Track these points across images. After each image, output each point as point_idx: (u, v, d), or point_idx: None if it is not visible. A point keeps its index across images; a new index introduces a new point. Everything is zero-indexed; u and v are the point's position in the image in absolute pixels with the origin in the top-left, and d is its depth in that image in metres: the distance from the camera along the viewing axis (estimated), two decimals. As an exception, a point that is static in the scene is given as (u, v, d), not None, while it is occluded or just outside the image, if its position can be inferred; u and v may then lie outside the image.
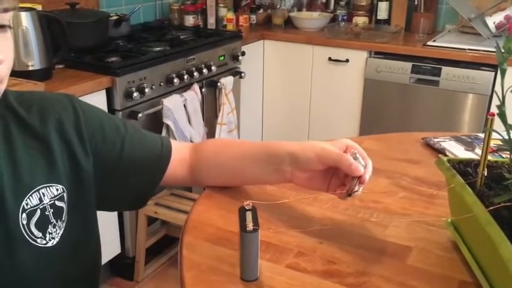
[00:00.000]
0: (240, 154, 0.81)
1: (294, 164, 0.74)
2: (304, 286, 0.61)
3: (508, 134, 0.51)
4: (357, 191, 0.69)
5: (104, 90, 1.88)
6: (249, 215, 0.62)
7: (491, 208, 0.54)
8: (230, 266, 0.64)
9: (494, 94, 2.34)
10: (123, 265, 2.16)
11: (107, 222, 2.02)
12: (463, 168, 0.66)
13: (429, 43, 2.52)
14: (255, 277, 0.62)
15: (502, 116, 0.51)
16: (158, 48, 2.20)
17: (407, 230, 0.74)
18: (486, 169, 0.62)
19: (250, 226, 0.59)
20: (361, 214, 0.78)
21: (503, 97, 0.52)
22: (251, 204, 0.63)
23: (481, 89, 2.40)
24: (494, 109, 2.05)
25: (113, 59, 2.03)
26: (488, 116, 0.58)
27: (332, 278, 0.63)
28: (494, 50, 2.19)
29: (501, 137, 1.06)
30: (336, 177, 0.72)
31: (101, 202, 0.78)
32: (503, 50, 0.50)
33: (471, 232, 0.64)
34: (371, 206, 0.80)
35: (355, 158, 0.70)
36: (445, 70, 2.45)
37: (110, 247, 2.08)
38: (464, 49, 2.43)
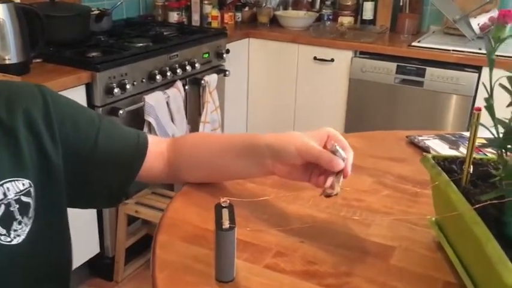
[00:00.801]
0: (219, 148, 0.78)
1: (275, 157, 0.72)
2: (282, 287, 0.59)
3: (496, 128, 0.49)
4: (333, 193, 0.66)
5: (84, 86, 1.84)
6: (225, 212, 0.59)
7: (477, 206, 0.52)
8: (206, 265, 0.61)
9: (478, 95, 2.37)
10: (102, 265, 2.11)
11: (86, 221, 1.97)
12: (448, 165, 0.64)
13: (414, 44, 2.52)
14: (230, 278, 0.59)
15: (490, 109, 0.49)
16: (140, 44, 2.16)
17: (390, 229, 0.71)
18: (472, 166, 0.60)
19: (226, 224, 0.56)
20: (344, 212, 0.75)
21: (491, 89, 0.50)
22: (228, 201, 0.60)
23: (465, 90, 2.40)
24: (478, 110, 2.01)
25: (94, 53, 1.98)
26: (474, 111, 0.56)
27: (312, 279, 0.60)
28: (478, 51, 2.19)
29: (485, 136, 1.05)
30: (318, 169, 0.70)
31: (74, 198, 0.75)
32: (492, 40, 0.48)
33: (456, 231, 0.62)
34: (354, 205, 0.78)
35: (335, 151, 0.67)
36: (430, 71, 2.45)
37: (88, 247, 2.03)
38: (449, 50, 2.43)
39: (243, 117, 2.97)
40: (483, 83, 0.50)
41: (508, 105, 0.47)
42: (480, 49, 2.42)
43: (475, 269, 0.56)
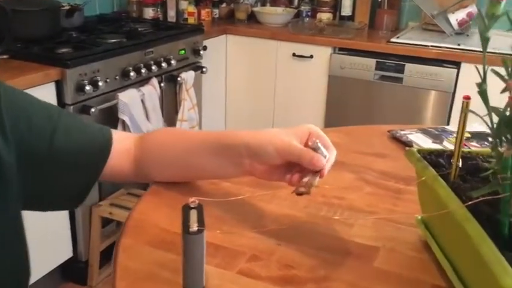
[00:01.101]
0: (192, 146, 0.73)
1: (252, 157, 0.67)
2: (258, 295, 0.53)
3: (490, 117, 0.45)
4: (305, 192, 0.61)
5: (53, 83, 1.77)
6: (193, 213, 0.53)
7: (470, 203, 0.47)
8: (173, 273, 0.55)
9: (457, 91, 2.36)
10: (75, 269, 2.03)
11: (57, 223, 1.90)
12: (435, 159, 0.59)
13: (393, 40, 2.50)
14: (200, 286, 0.53)
15: (483, 94, 0.45)
16: (113, 40, 2.08)
17: (373, 229, 0.67)
18: (460, 160, 0.56)
19: (194, 227, 0.51)
20: (324, 212, 0.71)
21: (485, 73, 0.46)
22: (197, 201, 0.55)
23: (444, 86, 2.39)
24: (457, 106, 2.03)
25: (64, 50, 1.90)
26: (463, 99, 0.52)
27: (289, 284, 0.55)
28: (457, 47, 2.17)
29: (469, 130, 1.01)
30: (298, 167, 0.64)
31: (30, 201, 0.68)
32: (485, 17, 0.43)
33: (445, 230, 0.57)
34: (334, 203, 0.73)
35: (317, 148, 0.62)
36: (409, 67, 2.44)
37: (60, 250, 1.96)
38: (428, 46, 2.42)
39: (221, 115, 2.92)
40: (476, 68, 0.45)
41: (502, 91, 0.42)
42: (459, 45, 2.41)
43: (467, 271, 0.52)
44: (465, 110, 0.51)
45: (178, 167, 0.74)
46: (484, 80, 0.44)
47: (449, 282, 0.56)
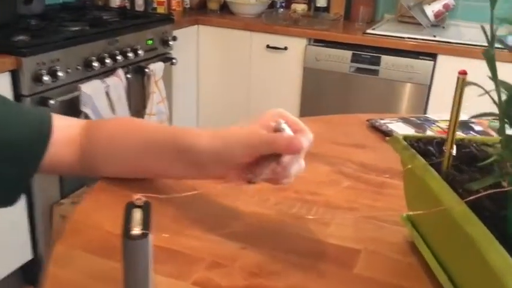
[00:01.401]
0: (147, 145, 0.62)
1: (217, 163, 0.56)
2: (217, 310, 0.44)
3: (498, 91, 0.36)
4: (256, 180, 0.52)
5: (9, 73, 1.64)
6: (137, 213, 0.44)
7: (470, 198, 0.39)
8: (112, 285, 0.45)
9: (434, 83, 2.31)
10: (36, 272, 1.91)
11: (15, 223, 1.77)
12: (423, 147, 0.51)
13: (369, 31, 2.45)
14: (145, 302, 0.44)
15: (491, 61, 0.36)
16: (75, 28, 1.96)
17: (353, 228, 0.58)
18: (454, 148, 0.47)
19: (136, 230, 0.41)
20: (296, 209, 0.62)
21: (493, 36, 0.37)
22: (143, 198, 0.45)
23: (420, 78, 2.35)
24: (434, 98, 1.96)
25: (20, 37, 1.77)
26: (458, 75, 0.43)
27: (255, 297, 0.46)
28: (433, 38, 2.13)
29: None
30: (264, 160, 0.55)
31: None
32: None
33: (437, 230, 0.49)
34: (308, 199, 0.64)
35: (281, 130, 0.53)
36: (385, 59, 2.38)
37: (20, 252, 1.83)
38: (404, 38, 2.37)
39: (193, 109, 2.81)
40: (482, 27, 0.37)
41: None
42: (435, 36, 2.36)
43: (464, 278, 0.44)
44: (461, 87, 0.43)
45: (129, 166, 0.64)
46: (491, 43, 0.36)
47: (441, 290, 0.48)
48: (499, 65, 0.37)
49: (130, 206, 0.45)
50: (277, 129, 0.53)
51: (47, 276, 0.47)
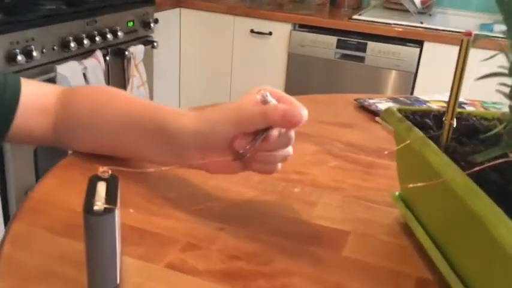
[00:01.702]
0: (126, 121, 0.56)
1: (202, 146, 0.50)
2: (192, 296, 0.40)
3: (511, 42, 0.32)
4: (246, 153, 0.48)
5: (-21, 51, 1.56)
6: (102, 187, 0.39)
7: (474, 169, 0.35)
8: (77, 268, 0.40)
9: (420, 71, 2.28)
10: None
11: (-14, 210, 1.70)
12: (420, 119, 0.47)
13: (355, 17, 2.41)
14: (110, 287, 0.39)
15: (502, 5, 0.32)
16: (51, 6, 1.87)
17: (341, 209, 0.54)
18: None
19: (99, 205, 0.36)
20: (281, 188, 0.57)
21: None
22: (109, 171, 0.40)
23: (406, 66, 2.32)
24: (419, 86, 1.93)
25: (-8, 14, 1.69)
26: (463, 37, 0.39)
27: (235, 280, 0.42)
28: (420, 25, 2.11)
29: (442, 99, 0.90)
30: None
31: None
32: None
33: (434, 208, 0.45)
34: (294, 178, 0.60)
35: (266, 102, 0.49)
36: (371, 45, 2.35)
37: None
38: (390, 24, 2.34)
39: (174, 93, 2.75)
40: None
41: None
42: (422, 23, 2.33)
43: (465, 258, 0.40)
44: (465, 49, 0.39)
45: (105, 142, 0.58)
46: None
47: (437, 274, 0.44)
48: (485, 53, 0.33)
49: (94, 179, 0.40)
50: (264, 102, 0.48)
51: (1, 258, 0.42)
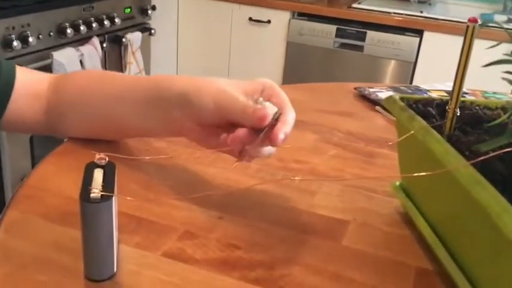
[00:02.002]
0: (116, 93, 0.56)
1: (185, 109, 0.50)
2: (187, 285, 0.39)
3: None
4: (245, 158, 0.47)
5: (-26, 37, 1.54)
6: (99, 174, 0.38)
7: (479, 159, 0.34)
8: (73, 256, 0.40)
9: (419, 61, 2.27)
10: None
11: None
12: (423, 108, 0.46)
13: (354, 5, 2.39)
14: (107, 274, 0.38)
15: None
16: (47, -8, 1.85)
17: (341, 198, 0.53)
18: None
19: (96, 192, 0.36)
20: (280, 177, 0.57)
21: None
22: (106, 158, 0.39)
23: (405, 55, 2.30)
24: (418, 76, 1.92)
25: (-13, -1, 1.67)
26: (468, 23, 0.38)
27: (232, 270, 0.41)
28: (420, 14, 2.10)
29: (443, 88, 0.90)
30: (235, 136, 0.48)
31: None
32: None
33: (435, 198, 0.44)
34: (293, 167, 0.59)
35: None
36: (370, 35, 2.33)
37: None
38: (390, 13, 2.32)
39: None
40: None
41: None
42: (422, 12, 2.32)
43: (466, 250, 0.39)
44: (471, 36, 0.38)
45: (97, 121, 0.58)
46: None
47: (438, 264, 0.43)
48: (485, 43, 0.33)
49: (91, 166, 0.39)
50: None
51: (-5, 245, 0.41)
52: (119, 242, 0.42)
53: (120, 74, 0.60)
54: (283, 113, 0.48)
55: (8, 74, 0.58)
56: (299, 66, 2.49)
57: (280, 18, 2.44)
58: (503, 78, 0.35)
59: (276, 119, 0.47)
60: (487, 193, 0.32)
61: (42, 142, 1.79)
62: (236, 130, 0.47)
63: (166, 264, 0.41)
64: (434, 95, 0.83)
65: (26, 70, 0.61)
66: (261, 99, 0.48)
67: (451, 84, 0.42)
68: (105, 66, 2.02)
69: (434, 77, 2.31)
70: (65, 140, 0.61)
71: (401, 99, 0.48)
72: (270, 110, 0.47)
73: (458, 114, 0.42)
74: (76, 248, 0.39)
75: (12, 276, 0.38)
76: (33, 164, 1.81)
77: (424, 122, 0.42)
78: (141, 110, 0.54)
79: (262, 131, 0.46)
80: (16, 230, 0.43)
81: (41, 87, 0.60)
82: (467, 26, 0.38)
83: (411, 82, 2.34)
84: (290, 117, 0.48)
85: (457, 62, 0.40)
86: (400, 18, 2.28)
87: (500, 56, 0.37)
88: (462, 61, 0.39)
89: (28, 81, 0.59)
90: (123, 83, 0.57)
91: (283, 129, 0.45)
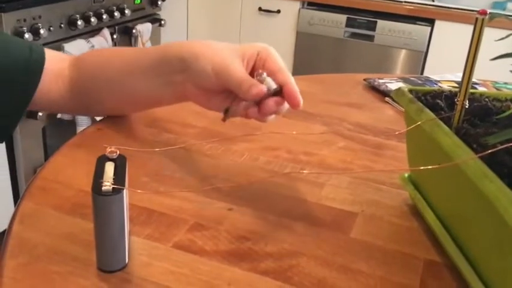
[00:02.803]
0: (125, 65, 0.59)
1: (185, 73, 0.54)
2: (197, 276, 0.40)
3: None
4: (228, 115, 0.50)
5: (-14, 30, 1.56)
6: (110, 167, 0.39)
7: (486, 152, 0.34)
8: (86, 248, 0.41)
9: (430, 50, 2.25)
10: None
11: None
12: (431, 100, 0.46)
13: (365, -6, 2.37)
14: (118, 266, 0.39)
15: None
16: (58, -16, 1.86)
17: (349, 190, 0.54)
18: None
19: (107, 185, 0.36)
20: (288, 169, 0.57)
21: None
22: (117, 151, 0.40)
23: (416, 45, 2.29)
24: (430, 66, 1.91)
25: (-1, -9, 1.68)
26: (478, 15, 0.38)
27: (242, 262, 0.42)
28: (431, 3, 2.09)
29: (454, 79, 0.89)
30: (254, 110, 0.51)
31: None
32: None
33: (444, 191, 0.44)
34: (302, 159, 0.59)
35: (262, 81, 0.49)
36: (381, 24, 2.31)
37: (5, 216, 1.78)
38: (401, 1, 2.30)
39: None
40: None
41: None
42: (433, 1, 2.29)
43: (473, 242, 0.40)
44: (480, 28, 0.38)
45: (114, 92, 0.61)
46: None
47: (445, 257, 0.44)
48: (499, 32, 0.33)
49: (102, 159, 0.40)
50: (260, 81, 0.49)
51: (10, 236, 0.42)
52: (130, 233, 0.43)
53: (129, 48, 0.65)
54: (285, 82, 0.50)
55: (38, 52, 0.61)
56: (309, 57, 2.48)
57: (290, 8, 2.43)
58: (495, 88, 0.35)
59: (274, 94, 0.49)
60: (494, 186, 0.33)
61: (55, 132, 1.81)
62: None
63: (176, 255, 0.42)
64: (444, 85, 0.83)
65: (52, 51, 0.63)
66: (264, 74, 0.49)
67: (449, 75, 0.42)
68: (115, 57, 2.03)
69: (445, 66, 2.29)
70: (77, 130, 0.63)
71: (410, 91, 0.48)
72: (270, 85, 0.49)
73: (467, 106, 0.42)
74: (89, 239, 0.40)
75: (27, 267, 0.39)
76: (46, 155, 1.83)
77: (432, 114, 0.42)
78: (148, 78, 0.57)
79: None
80: (30, 221, 0.44)
81: (63, 66, 0.63)
82: (476, 18, 0.38)
83: (422, 72, 2.32)
84: (293, 81, 0.50)
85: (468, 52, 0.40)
86: (411, 7, 2.26)
87: None
88: (471, 54, 0.39)
89: (54, 60, 0.62)
90: (131, 56, 0.60)
91: (298, 93, 0.49)
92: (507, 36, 0.35)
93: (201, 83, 0.53)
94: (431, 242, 0.46)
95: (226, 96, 0.52)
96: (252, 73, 0.51)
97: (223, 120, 0.51)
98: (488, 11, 0.38)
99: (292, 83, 0.49)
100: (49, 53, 0.62)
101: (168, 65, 0.55)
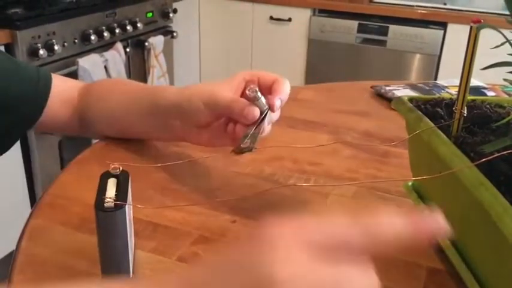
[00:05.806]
0: (126, 102, 0.62)
1: (182, 117, 0.55)
2: (202, 288, 0.40)
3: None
4: (247, 149, 0.49)
5: (3, 47, 1.59)
6: (112, 183, 0.40)
7: (482, 161, 0.34)
8: (92, 262, 0.42)
9: (444, 54, 2.23)
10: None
11: (16, 203, 1.74)
12: (431, 109, 0.46)
13: (376, 0, 2.36)
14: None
15: None
16: (70, 0, 1.90)
17: (355, 199, 0.54)
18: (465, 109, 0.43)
19: (109, 201, 0.37)
20: (293, 180, 0.57)
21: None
22: (120, 168, 0.41)
23: (429, 48, 2.27)
24: (443, 69, 1.89)
25: (14, 10, 1.72)
26: (472, 24, 0.38)
27: (245, 273, 0.42)
28: (443, 6, 2.07)
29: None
30: (241, 126, 0.52)
31: None
32: None
33: (444, 199, 0.44)
34: (307, 170, 0.60)
35: (256, 98, 0.50)
36: (393, 29, 2.31)
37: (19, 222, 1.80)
38: (413, 6, 2.29)
39: (195, 83, 2.76)
40: None
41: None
42: (445, 4, 2.28)
43: (475, 251, 0.40)
44: (474, 37, 0.38)
45: (116, 125, 0.63)
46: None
47: (448, 264, 0.43)
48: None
49: (105, 176, 0.41)
50: (252, 98, 0.50)
51: (20, 252, 0.43)
52: (135, 247, 0.44)
53: (129, 84, 0.66)
54: (276, 82, 0.52)
55: (46, 79, 0.64)
56: (321, 64, 2.48)
57: (301, 16, 2.44)
58: (505, 80, 0.35)
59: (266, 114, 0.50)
60: (490, 194, 0.33)
61: (71, 146, 1.84)
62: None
63: (181, 268, 0.42)
64: (452, 91, 0.83)
65: (60, 78, 0.67)
66: (259, 93, 0.50)
67: (472, 80, 0.42)
68: (129, 70, 2.06)
69: (459, 69, 2.26)
70: (93, 142, 0.65)
71: (410, 100, 0.48)
72: (263, 103, 0.50)
73: (465, 114, 0.42)
74: (96, 254, 0.41)
75: (35, 282, 0.40)
76: (62, 166, 1.86)
77: (430, 123, 0.43)
78: (145, 120, 0.60)
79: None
80: (39, 237, 0.45)
81: (73, 92, 0.66)
82: (471, 27, 0.38)
83: (436, 75, 2.30)
84: (285, 85, 0.53)
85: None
86: (423, 11, 2.25)
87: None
88: (467, 63, 0.39)
89: (62, 89, 0.65)
90: (130, 94, 0.63)
91: (278, 96, 0.51)
92: (501, 44, 0.35)
93: (197, 121, 0.54)
94: (434, 250, 0.46)
95: (225, 129, 0.53)
96: (244, 92, 0.53)
97: (239, 153, 0.51)
98: (482, 21, 0.38)
99: (283, 90, 0.51)
100: (58, 81, 0.65)
101: (163, 109, 0.56)
